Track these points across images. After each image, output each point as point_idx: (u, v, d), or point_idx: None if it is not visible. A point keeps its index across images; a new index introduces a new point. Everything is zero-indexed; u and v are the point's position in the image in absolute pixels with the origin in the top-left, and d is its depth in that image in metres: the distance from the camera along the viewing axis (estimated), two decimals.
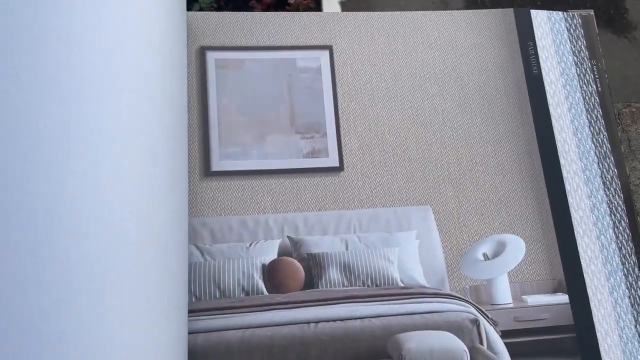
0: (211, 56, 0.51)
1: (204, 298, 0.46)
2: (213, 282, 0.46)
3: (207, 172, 0.49)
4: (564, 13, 0.57)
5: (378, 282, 0.47)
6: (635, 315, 0.48)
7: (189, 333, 0.42)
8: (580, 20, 0.57)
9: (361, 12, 0.55)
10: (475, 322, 0.44)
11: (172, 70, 0.44)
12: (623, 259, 0.50)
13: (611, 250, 0.50)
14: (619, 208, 0.51)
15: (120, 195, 0.36)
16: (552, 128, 0.53)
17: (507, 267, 0.49)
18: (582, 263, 0.49)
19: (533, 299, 0.49)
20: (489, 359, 0.43)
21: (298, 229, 0.49)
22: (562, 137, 0.53)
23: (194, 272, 0.46)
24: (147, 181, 0.39)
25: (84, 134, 0.36)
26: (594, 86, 0.55)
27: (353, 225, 0.50)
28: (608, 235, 0.50)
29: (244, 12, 0.54)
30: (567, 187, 0.51)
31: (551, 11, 0.57)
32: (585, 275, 0.49)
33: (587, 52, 0.56)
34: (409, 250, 0.49)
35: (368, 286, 0.47)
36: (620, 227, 0.51)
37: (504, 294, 0.49)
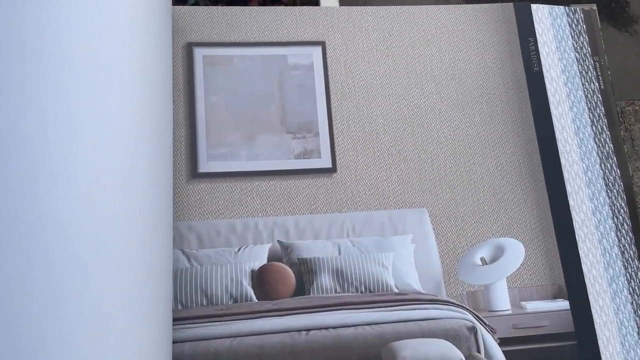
0: (199, 52, 0.49)
1: (190, 306, 0.44)
2: (200, 288, 0.44)
3: (194, 173, 0.47)
4: (566, 7, 0.55)
5: (372, 288, 0.46)
6: (638, 321, 0.46)
7: (174, 342, 0.40)
8: (582, 15, 0.55)
9: (356, 6, 0.53)
10: (473, 330, 0.43)
11: (155, 67, 0.42)
12: (626, 264, 0.48)
13: (613, 254, 0.48)
14: (622, 210, 0.49)
15: (101, 198, 0.35)
16: (553, 127, 0.51)
17: (506, 272, 0.47)
18: (583, 268, 0.47)
19: (532, 305, 0.47)
20: None
21: (289, 233, 0.47)
22: (563, 136, 0.51)
23: (180, 278, 0.44)
24: (129, 183, 0.37)
25: (61, 134, 0.34)
26: (597, 84, 0.53)
27: (346, 229, 0.48)
28: (610, 239, 0.48)
29: (233, 7, 0.52)
30: (569, 189, 0.49)
31: (552, 5, 0.55)
32: (586, 280, 0.47)
33: (589, 49, 0.54)
34: (404, 255, 0.47)
35: (361, 292, 0.46)
36: (623, 230, 0.49)
37: (502, 300, 0.47)
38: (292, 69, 0.50)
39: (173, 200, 0.46)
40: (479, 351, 0.42)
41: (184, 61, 0.49)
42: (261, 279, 0.45)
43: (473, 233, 0.48)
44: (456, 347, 0.41)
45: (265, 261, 0.46)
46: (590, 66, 0.53)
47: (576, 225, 0.48)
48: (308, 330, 0.42)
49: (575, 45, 0.54)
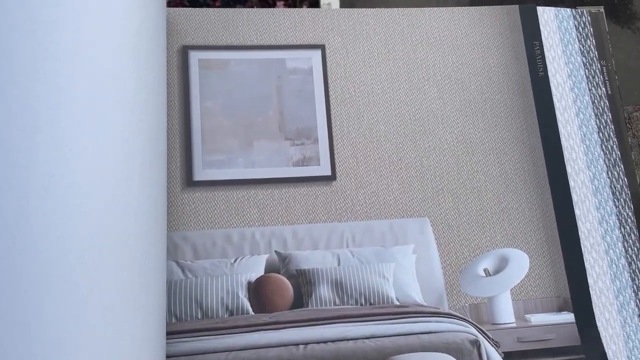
0: (194, 56, 0.48)
1: (184, 319, 0.43)
2: (195, 301, 0.43)
3: (189, 181, 0.45)
4: (573, 10, 0.53)
5: (372, 300, 0.44)
6: None
7: (168, 357, 0.39)
8: (589, 17, 0.54)
9: (357, 8, 0.51)
10: (476, 343, 0.41)
11: (149, 70, 0.41)
12: (633, 275, 0.47)
13: (620, 265, 0.47)
14: (629, 220, 0.48)
15: (92, 207, 0.33)
16: (559, 134, 0.49)
17: (510, 284, 0.46)
18: (589, 280, 0.46)
19: (537, 318, 0.46)
20: None
21: (287, 243, 0.46)
22: (569, 144, 0.49)
23: (174, 290, 0.43)
24: (121, 192, 0.36)
25: (51, 140, 0.33)
26: (604, 89, 0.52)
27: (346, 239, 0.46)
28: (617, 250, 0.47)
29: (230, 9, 0.50)
30: (575, 198, 0.48)
31: (559, 8, 0.53)
32: (592, 292, 0.46)
33: (596, 52, 0.53)
34: (406, 266, 0.46)
35: (361, 305, 0.44)
36: (630, 241, 0.48)
37: (506, 313, 0.46)
38: (290, 73, 0.48)
39: (167, 209, 0.44)
40: None
41: (179, 65, 0.48)
42: (258, 291, 0.44)
43: (476, 243, 0.47)
44: None
45: (262, 272, 0.45)
46: (597, 71, 0.52)
47: (582, 236, 0.47)
48: (306, 344, 0.40)
49: (582, 49, 0.52)
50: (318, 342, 0.41)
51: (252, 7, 0.55)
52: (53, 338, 0.31)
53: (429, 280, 0.46)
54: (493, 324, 0.46)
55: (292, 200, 0.46)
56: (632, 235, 0.48)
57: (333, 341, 0.41)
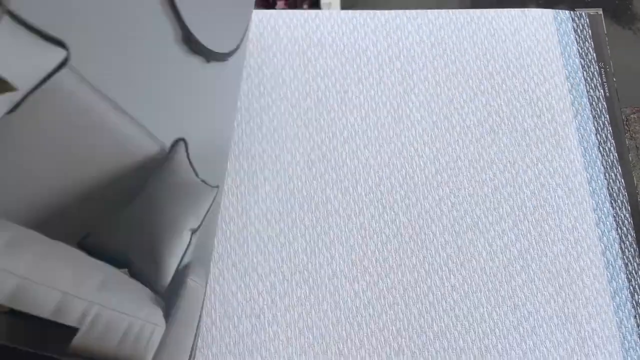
0: None
1: None
2: None
3: None
4: (571, 12, 0.54)
5: None
6: None
7: None
8: (588, 20, 0.54)
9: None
10: None
11: None
12: (629, 276, 0.47)
13: (617, 266, 0.47)
14: (626, 222, 0.48)
15: None
16: (557, 135, 0.50)
17: None
18: (586, 280, 0.46)
19: None
20: None
21: None
22: (567, 145, 0.50)
23: None
24: None
25: None
26: (602, 91, 0.52)
27: None
28: (614, 251, 0.47)
29: None
30: (572, 199, 0.48)
31: (557, 10, 0.53)
32: (589, 292, 0.46)
33: (594, 54, 0.53)
34: None
35: None
36: (627, 242, 0.48)
37: None
38: None
39: None
40: None
41: None
42: None
43: None
44: None
45: None
46: (595, 73, 0.52)
47: (579, 237, 0.47)
48: None
49: (580, 51, 0.53)
50: None
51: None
52: None
53: None
54: None
55: None
56: (629, 236, 0.48)
57: None
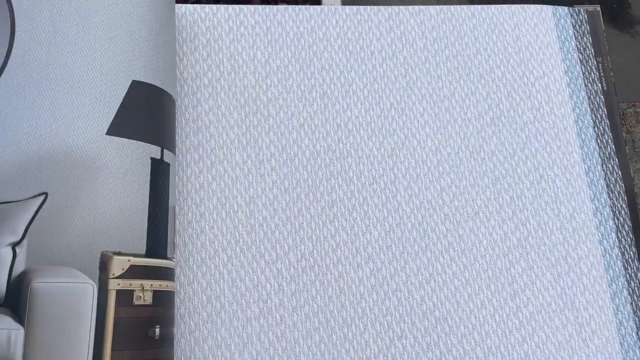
0: None
1: None
2: None
3: None
4: (570, 8, 0.55)
5: None
6: (637, 322, 0.47)
7: None
8: (586, 15, 0.55)
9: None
10: None
11: None
12: (626, 264, 0.48)
13: (614, 255, 0.48)
14: (623, 211, 0.50)
15: None
16: (556, 128, 0.51)
17: None
18: (583, 268, 0.48)
19: None
20: None
21: None
22: (566, 137, 0.51)
23: None
24: None
25: None
26: (599, 85, 0.53)
27: None
28: (611, 240, 0.49)
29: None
30: (570, 190, 0.50)
31: (556, 6, 0.55)
32: (586, 280, 0.47)
33: (592, 50, 0.54)
34: None
35: None
36: (624, 231, 0.49)
37: None
38: None
39: None
40: None
41: None
42: None
43: None
44: None
45: None
46: (593, 67, 0.54)
47: (577, 226, 0.49)
48: None
49: (579, 46, 0.54)
50: None
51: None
52: None
53: None
54: None
55: None
56: (626, 226, 0.49)
57: None
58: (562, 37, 0.54)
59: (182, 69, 0.49)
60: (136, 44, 0.40)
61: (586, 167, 0.50)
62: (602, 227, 0.49)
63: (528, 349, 0.45)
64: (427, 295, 0.46)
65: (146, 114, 0.39)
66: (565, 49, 0.53)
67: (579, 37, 0.54)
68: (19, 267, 0.35)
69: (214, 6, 0.51)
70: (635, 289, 0.48)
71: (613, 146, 0.51)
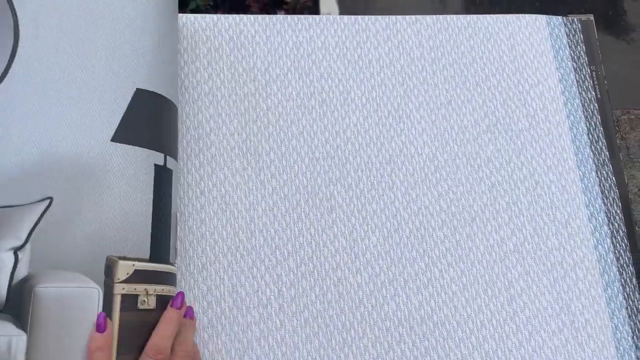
0: None
1: None
2: None
3: None
4: (564, 18, 0.56)
5: None
6: (633, 326, 0.47)
7: None
8: (580, 25, 0.56)
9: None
10: None
11: None
12: (621, 269, 0.49)
13: (609, 260, 0.49)
14: (617, 217, 0.50)
15: None
16: (550, 135, 0.52)
17: None
18: (579, 273, 0.48)
19: None
20: None
21: None
22: (560, 144, 0.52)
23: None
24: None
25: None
26: (593, 93, 0.54)
27: None
28: (606, 245, 0.49)
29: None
30: (565, 196, 0.50)
31: (550, 16, 0.56)
32: (582, 285, 0.48)
33: (586, 58, 0.55)
34: None
35: None
36: (618, 237, 0.50)
37: None
38: None
39: None
40: None
41: None
42: None
43: None
44: None
45: None
46: (587, 75, 0.54)
47: (572, 232, 0.49)
48: None
49: (573, 54, 0.55)
50: None
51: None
52: None
53: None
54: None
55: None
56: (620, 231, 0.50)
57: None
58: (557, 45, 0.55)
59: (184, 77, 0.50)
60: (140, 52, 0.41)
61: (581, 174, 0.51)
62: (597, 233, 0.50)
63: (525, 353, 0.46)
64: (425, 300, 0.47)
65: (150, 121, 0.40)
66: (559, 57, 0.55)
67: (572, 45, 0.55)
68: (21, 272, 0.35)
69: (215, 16, 0.52)
70: (630, 293, 0.48)
71: (607, 153, 0.52)
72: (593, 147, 0.52)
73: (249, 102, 0.50)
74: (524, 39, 0.54)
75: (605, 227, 0.50)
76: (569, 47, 0.55)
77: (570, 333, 0.47)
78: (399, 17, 0.54)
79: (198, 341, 0.44)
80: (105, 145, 0.38)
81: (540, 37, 0.55)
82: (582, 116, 0.53)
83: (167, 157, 0.40)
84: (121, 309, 0.35)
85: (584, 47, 0.55)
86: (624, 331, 0.47)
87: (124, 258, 0.36)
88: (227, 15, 0.52)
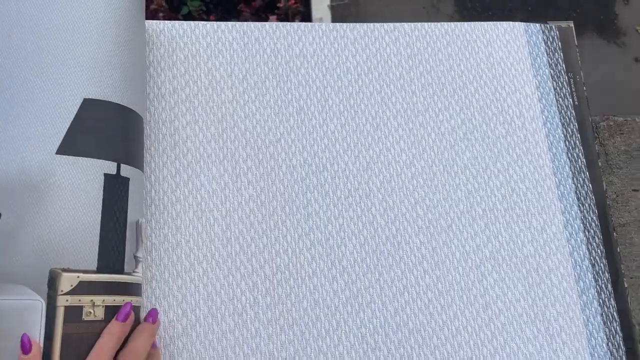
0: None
1: None
2: None
3: None
4: (542, 25, 0.56)
5: None
6: (608, 333, 0.48)
7: None
8: (558, 32, 0.57)
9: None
10: None
11: None
12: (596, 276, 0.49)
13: (584, 267, 0.49)
14: (593, 224, 0.51)
15: None
16: (527, 143, 0.52)
17: None
18: (554, 279, 0.48)
19: None
20: None
21: None
22: (537, 151, 0.52)
23: None
24: None
25: None
26: (571, 100, 0.54)
27: None
28: (581, 252, 0.50)
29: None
30: (541, 202, 0.51)
31: (528, 23, 0.56)
32: (557, 291, 0.48)
33: (564, 65, 0.55)
34: None
35: None
36: (594, 243, 0.50)
37: None
38: None
39: None
40: None
41: None
42: None
43: None
44: None
45: None
46: (564, 82, 0.55)
47: (548, 238, 0.49)
48: None
49: (550, 62, 0.55)
50: None
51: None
52: None
53: None
54: None
55: None
56: (596, 238, 0.50)
57: None
58: (534, 53, 0.55)
59: (160, 84, 0.50)
60: (96, 61, 0.40)
61: (557, 181, 0.51)
62: (572, 240, 0.50)
63: None
64: (401, 307, 0.47)
65: (99, 131, 0.39)
66: (536, 64, 0.55)
67: (550, 53, 0.55)
68: None
69: (192, 23, 0.52)
70: (606, 300, 0.48)
71: (584, 160, 0.52)
72: (570, 154, 0.52)
73: (226, 109, 0.50)
74: (501, 46, 0.55)
75: (581, 234, 0.50)
76: (547, 54, 0.55)
77: (545, 340, 0.47)
78: (377, 24, 0.54)
79: (172, 350, 0.44)
80: (50, 158, 0.37)
81: (518, 45, 0.55)
82: (559, 123, 0.53)
83: (123, 165, 0.40)
84: (65, 321, 0.35)
85: (562, 54, 0.56)
86: (598, 338, 0.47)
87: (68, 270, 0.36)
88: (204, 22, 0.52)
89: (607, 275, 0.49)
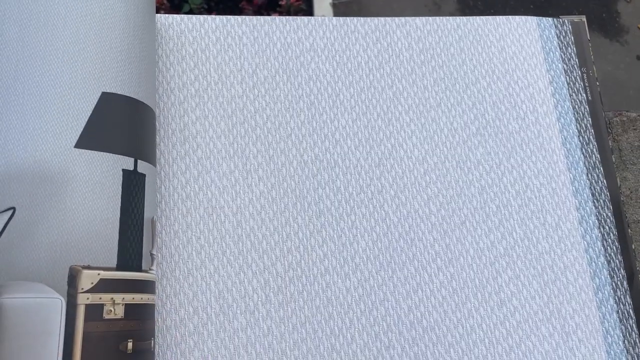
0: None
1: None
2: None
3: None
4: (555, 19, 0.56)
5: None
6: (624, 330, 0.47)
7: None
8: (571, 26, 0.56)
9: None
10: None
11: None
12: (612, 273, 0.49)
13: (600, 263, 0.49)
14: (608, 220, 0.50)
15: None
16: (541, 138, 0.51)
17: None
18: (569, 276, 0.48)
19: None
20: None
21: None
22: (551, 147, 0.51)
23: None
24: None
25: None
26: (584, 95, 0.54)
27: None
28: (597, 248, 0.49)
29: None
30: (555, 199, 0.50)
31: (541, 17, 0.55)
32: (572, 288, 0.48)
33: (577, 60, 0.55)
34: None
35: None
36: (609, 240, 0.50)
37: None
38: None
39: None
40: None
41: None
42: None
43: None
44: None
45: None
46: (577, 77, 0.54)
47: (563, 235, 0.49)
48: None
49: (563, 56, 0.55)
50: None
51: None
52: None
53: None
54: None
55: None
56: (611, 234, 0.50)
57: None
58: (547, 47, 0.54)
59: (169, 78, 0.49)
60: (107, 55, 0.40)
61: (571, 176, 0.51)
62: (587, 236, 0.49)
63: (515, 357, 0.45)
64: (415, 304, 0.46)
65: (117, 125, 0.39)
66: (549, 59, 0.54)
67: (563, 47, 0.55)
68: None
69: (201, 17, 0.51)
70: (622, 297, 0.48)
71: (598, 155, 0.52)
72: (584, 150, 0.52)
73: (236, 104, 0.50)
74: (514, 40, 0.54)
75: (596, 230, 0.50)
76: (560, 48, 0.55)
77: (560, 337, 0.46)
78: (388, 19, 0.54)
79: (184, 348, 0.43)
80: (69, 152, 0.37)
81: (531, 39, 0.54)
82: (573, 118, 0.53)
83: (139, 161, 0.39)
84: (85, 319, 0.34)
85: (575, 49, 0.55)
86: (615, 335, 0.47)
87: (89, 267, 0.35)
88: (214, 16, 0.51)
89: (622, 272, 0.49)
